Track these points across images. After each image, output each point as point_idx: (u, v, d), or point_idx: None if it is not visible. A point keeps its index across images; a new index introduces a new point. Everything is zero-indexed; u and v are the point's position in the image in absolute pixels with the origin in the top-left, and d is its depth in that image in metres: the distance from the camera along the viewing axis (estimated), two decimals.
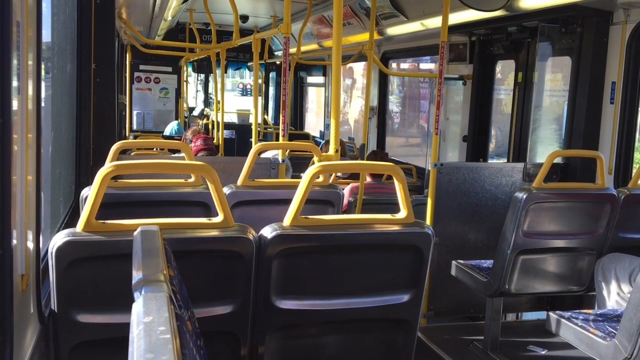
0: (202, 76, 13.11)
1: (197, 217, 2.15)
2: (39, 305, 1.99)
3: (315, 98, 12.49)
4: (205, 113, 11.67)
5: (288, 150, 4.71)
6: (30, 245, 1.93)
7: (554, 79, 5.25)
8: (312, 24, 8.18)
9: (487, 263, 3.81)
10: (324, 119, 10.97)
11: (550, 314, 3.01)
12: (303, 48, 8.78)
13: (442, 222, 4.22)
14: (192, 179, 3.03)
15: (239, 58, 11.71)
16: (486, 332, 3.70)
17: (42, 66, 2.07)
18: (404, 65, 9.69)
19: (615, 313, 3.03)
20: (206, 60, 10.45)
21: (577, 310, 3.05)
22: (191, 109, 12.28)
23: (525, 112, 5.39)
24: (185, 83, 11.43)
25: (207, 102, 12.93)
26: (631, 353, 2.53)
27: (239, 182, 3.13)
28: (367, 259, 2.29)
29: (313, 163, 3.13)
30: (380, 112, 8.18)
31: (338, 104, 2.97)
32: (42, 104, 2.08)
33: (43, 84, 2.06)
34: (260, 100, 10.07)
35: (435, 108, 4.09)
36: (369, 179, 5.08)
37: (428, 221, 4.11)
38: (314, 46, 9.11)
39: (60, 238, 1.89)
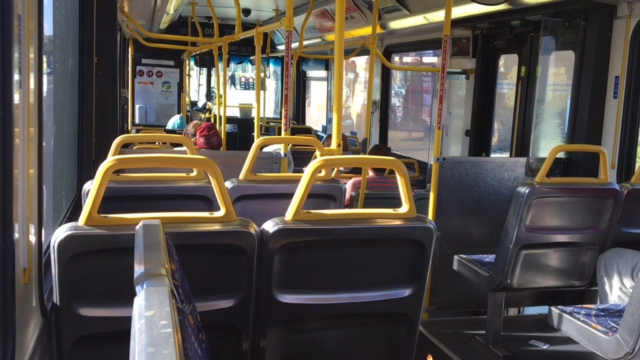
0: (205, 70, 13.11)
1: (199, 211, 2.15)
2: (41, 298, 2.00)
3: (317, 92, 12.48)
4: (207, 107, 11.66)
5: (290, 145, 4.70)
6: (32, 238, 1.93)
7: (557, 73, 5.23)
8: (314, 17, 8.16)
9: (489, 258, 3.81)
10: (326, 113, 10.95)
11: (552, 308, 3.01)
12: (305, 42, 8.76)
13: (444, 217, 4.21)
14: (194, 173, 3.03)
15: (241, 52, 11.70)
16: (488, 326, 3.70)
17: (44, 60, 2.07)
18: (407, 59, 9.67)
19: (617, 308, 3.02)
20: (208, 54, 10.44)
21: (579, 305, 3.05)
22: (193, 103, 12.27)
23: (528, 107, 5.38)
24: (187, 77, 11.43)
25: (209, 96, 12.93)
26: (633, 348, 2.53)
27: (241, 176, 3.13)
28: (369, 253, 2.29)
29: (315, 157, 3.13)
30: (382, 106, 8.17)
31: (340, 98, 2.96)
32: (44, 97, 2.07)
33: (45, 78, 2.06)
34: (262, 94, 10.07)
35: (438, 102, 4.08)
36: (371, 174, 5.08)
37: (430, 216, 4.10)
38: (316, 40, 9.09)
39: (62, 232, 1.89)
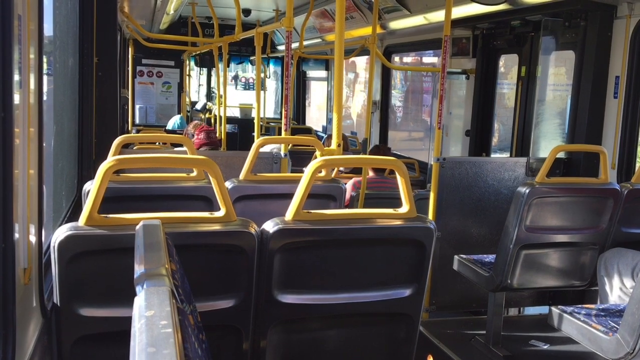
0: (205, 70, 13.12)
1: (199, 211, 2.15)
2: (41, 298, 2.00)
3: (317, 92, 12.48)
4: (207, 107, 11.66)
5: (290, 145, 4.71)
6: (33, 239, 1.94)
7: (558, 73, 5.23)
8: (314, 17, 8.16)
9: (490, 258, 3.81)
10: (327, 113, 10.96)
11: (553, 308, 3.01)
12: (305, 42, 8.76)
13: (445, 217, 4.21)
14: (195, 173, 3.04)
15: (241, 52, 11.71)
16: (488, 326, 3.70)
17: (44, 60, 2.07)
18: (407, 59, 9.67)
19: (617, 308, 3.02)
20: (208, 54, 10.45)
21: (580, 305, 3.05)
22: (194, 103, 12.28)
23: (529, 107, 5.38)
24: (187, 77, 11.43)
25: (209, 96, 12.93)
26: (633, 348, 2.53)
27: (241, 176, 3.13)
28: (369, 253, 2.29)
29: (315, 157, 3.13)
30: (382, 106, 8.17)
31: (340, 98, 2.96)
32: (45, 98, 2.08)
33: (45, 78, 2.06)
34: (262, 94, 10.06)
35: (438, 102, 4.08)
36: (371, 174, 5.08)
37: (430, 216, 4.10)
38: (316, 40, 9.09)
39: (62, 232, 1.89)
